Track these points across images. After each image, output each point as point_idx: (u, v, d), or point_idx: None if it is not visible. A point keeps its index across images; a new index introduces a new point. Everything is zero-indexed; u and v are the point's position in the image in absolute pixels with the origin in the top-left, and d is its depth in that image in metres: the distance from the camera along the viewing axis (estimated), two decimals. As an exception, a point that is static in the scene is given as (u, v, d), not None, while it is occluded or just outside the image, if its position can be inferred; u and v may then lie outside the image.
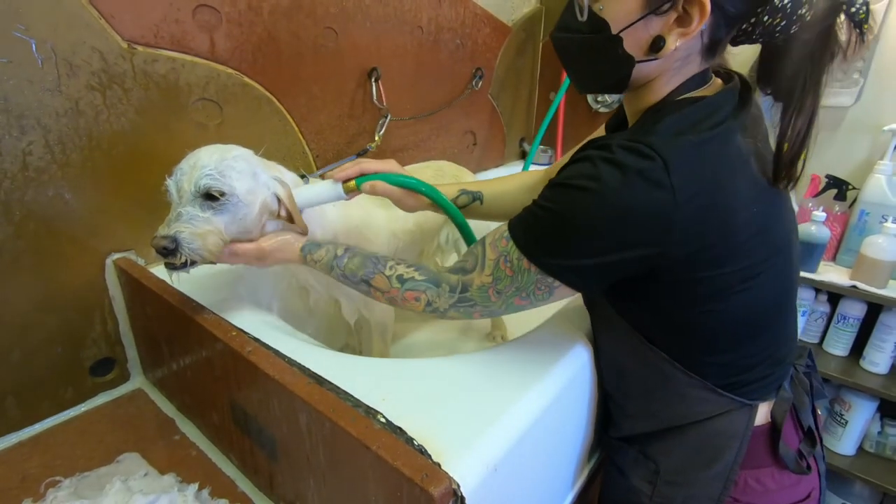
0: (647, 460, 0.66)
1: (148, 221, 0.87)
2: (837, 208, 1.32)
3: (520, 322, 0.80)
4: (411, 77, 1.31)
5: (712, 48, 0.54)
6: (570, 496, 0.75)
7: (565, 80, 1.54)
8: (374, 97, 1.19)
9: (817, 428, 0.67)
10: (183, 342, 0.76)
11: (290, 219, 0.73)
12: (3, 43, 0.67)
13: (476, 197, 0.81)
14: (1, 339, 0.76)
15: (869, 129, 1.30)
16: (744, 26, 0.53)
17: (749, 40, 0.55)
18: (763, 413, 0.62)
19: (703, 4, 0.48)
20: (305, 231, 0.74)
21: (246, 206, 0.68)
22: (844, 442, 1.34)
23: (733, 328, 0.56)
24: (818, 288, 1.30)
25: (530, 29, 1.68)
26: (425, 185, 0.73)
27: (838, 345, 1.32)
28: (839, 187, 1.33)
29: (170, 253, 0.63)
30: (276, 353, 0.64)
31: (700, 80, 0.56)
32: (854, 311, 1.27)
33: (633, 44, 0.52)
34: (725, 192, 0.50)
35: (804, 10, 0.50)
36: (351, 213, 0.86)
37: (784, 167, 0.54)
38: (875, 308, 1.25)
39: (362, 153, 1.19)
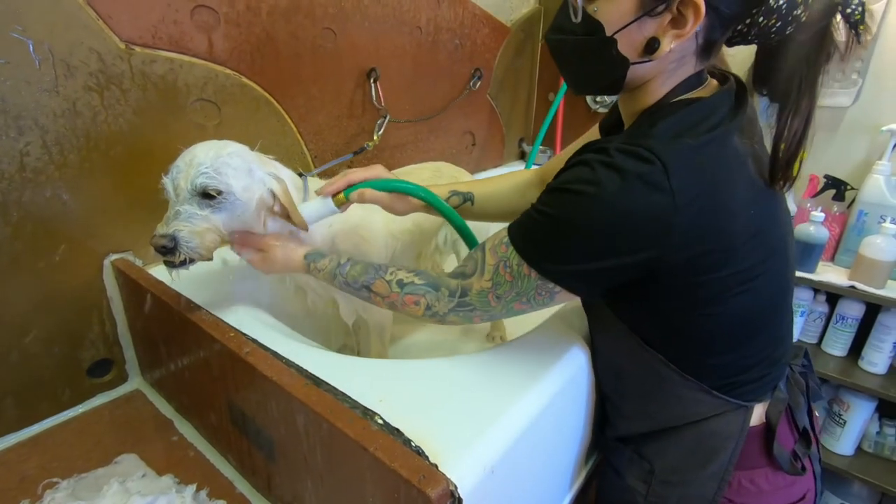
0: (641, 460, 0.67)
1: (146, 222, 0.86)
2: (836, 208, 1.32)
3: (519, 323, 0.80)
4: (410, 77, 1.31)
5: (707, 49, 0.54)
6: (568, 498, 0.75)
7: (564, 82, 1.54)
8: (373, 98, 1.19)
9: (813, 429, 0.67)
10: (181, 343, 0.76)
11: (285, 214, 0.73)
12: (0, 44, 0.67)
13: (467, 198, 0.81)
14: (-1, 340, 0.76)
15: (867, 130, 1.30)
16: (739, 27, 0.53)
17: (744, 41, 0.55)
18: (758, 414, 0.62)
19: (697, 6, 0.48)
20: (304, 227, 0.74)
21: (243, 204, 0.68)
22: (843, 442, 1.34)
23: (730, 330, 0.56)
24: (817, 288, 1.30)
25: (529, 29, 1.68)
26: (413, 185, 0.73)
27: (837, 345, 1.32)
28: (838, 188, 1.33)
29: (169, 251, 0.63)
30: (274, 354, 0.64)
31: (695, 81, 0.55)
32: (852, 311, 1.27)
33: (628, 45, 0.52)
34: (724, 196, 0.50)
35: (799, 11, 0.50)
36: (349, 214, 0.86)
37: (781, 168, 0.54)
38: (873, 308, 1.25)
39: (359, 152, 1.18)
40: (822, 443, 1.37)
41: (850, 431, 1.32)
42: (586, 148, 0.54)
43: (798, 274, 1.27)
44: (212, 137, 0.79)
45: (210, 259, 0.68)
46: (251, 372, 0.61)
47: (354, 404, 0.55)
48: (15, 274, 0.75)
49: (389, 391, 0.58)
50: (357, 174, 0.73)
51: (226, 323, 0.69)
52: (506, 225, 0.58)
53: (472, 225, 0.78)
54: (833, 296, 1.29)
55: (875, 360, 1.26)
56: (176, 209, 0.65)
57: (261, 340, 0.66)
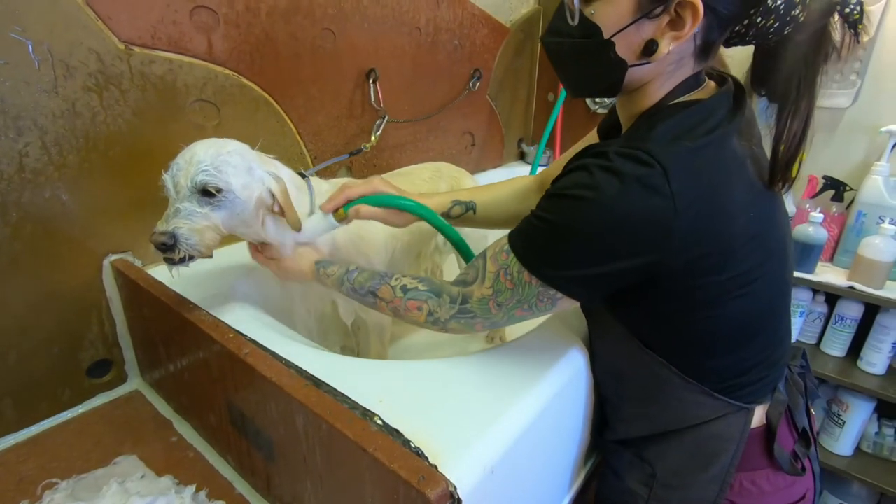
0: (642, 463, 0.66)
1: (145, 223, 0.86)
2: (835, 209, 1.32)
3: (518, 324, 0.80)
4: (409, 78, 1.31)
5: (705, 51, 0.54)
6: (567, 499, 0.75)
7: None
8: (372, 98, 1.19)
9: (811, 429, 0.67)
10: (180, 344, 0.76)
11: (283, 213, 0.73)
12: (-1, 44, 0.67)
13: (469, 207, 0.81)
14: (-2, 340, 0.76)
15: (866, 131, 1.30)
16: (737, 28, 0.53)
17: (742, 42, 0.55)
18: (758, 415, 0.62)
19: (695, 7, 0.47)
20: (298, 227, 0.74)
21: (242, 202, 0.69)
22: (842, 442, 1.34)
23: (730, 332, 0.56)
24: (816, 289, 1.31)
25: (528, 30, 1.69)
26: (409, 201, 0.73)
27: (836, 345, 1.32)
28: (836, 188, 1.34)
29: (168, 248, 0.64)
30: (274, 354, 0.64)
31: (694, 83, 0.55)
32: (851, 311, 1.28)
33: (626, 48, 0.52)
34: (723, 198, 0.50)
35: (798, 12, 0.50)
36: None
37: (780, 170, 0.54)
38: (872, 309, 1.25)
39: (356, 153, 1.18)
40: (821, 443, 1.37)
41: (848, 432, 1.32)
42: (585, 152, 0.54)
43: (797, 274, 1.27)
44: (211, 138, 0.79)
45: (210, 256, 0.68)
46: (250, 373, 0.61)
47: (354, 405, 0.55)
48: (14, 274, 0.75)
49: (389, 392, 0.58)
50: (355, 190, 0.74)
51: (225, 323, 0.69)
52: (507, 232, 0.58)
53: (472, 232, 0.78)
54: (832, 296, 1.29)
55: (874, 361, 1.26)
56: (176, 206, 0.65)
57: (260, 341, 0.66)
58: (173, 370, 0.81)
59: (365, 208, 0.72)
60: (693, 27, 0.49)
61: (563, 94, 1.61)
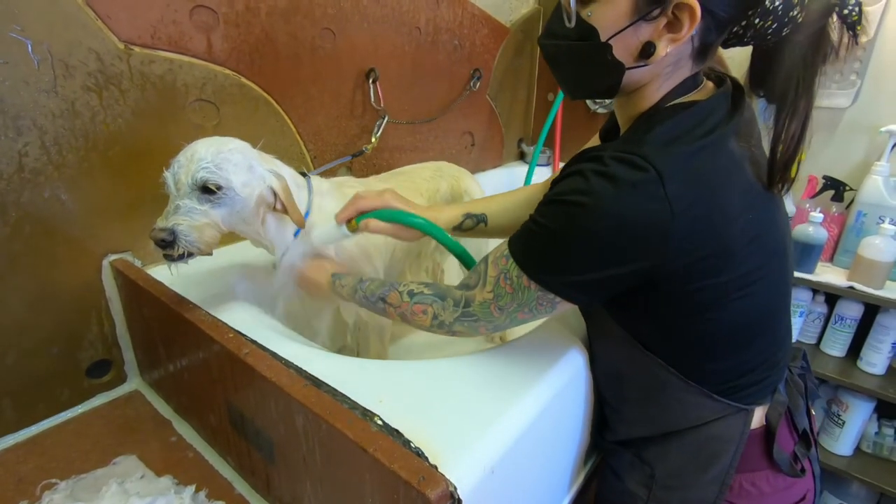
0: (642, 464, 0.66)
1: (145, 222, 0.86)
2: (835, 209, 1.32)
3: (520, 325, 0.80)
4: (409, 78, 1.31)
5: (703, 52, 0.53)
6: (567, 499, 0.75)
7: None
8: (372, 98, 1.19)
9: (811, 429, 0.67)
10: (180, 344, 0.76)
11: (285, 211, 0.74)
12: (-2, 44, 0.67)
13: (480, 220, 0.81)
14: (-3, 340, 0.76)
15: (866, 131, 1.30)
16: (735, 29, 0.53)
17: (740, 43, 0.55)
18: (758, 416, 0.62)
19: (693, 9, 0.47)
20: (302, 224, 0.76)
21: (242, 200, 0.69)
22: (842, 442, 1.34)
23: (730, 335, 0.56)
24: (815, 289, 1.31)
25: (528, 30, 1.68)
26: (417, 217, 0.73)
27: (835, 346, 1.32)
28: (836, 188, 1.34)
29: (168, 245, 0.64)
30: (273, 354, 0.63)
31: (691, 84, 0.55)
32: (851, 311, 1.27)
33: (623, 50, 0.52)
34: (720, 201, 0.50)
35: (796, 13, 0.50)
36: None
37: (779, 170, 0.54)
38: (872, 309, 1.25)
39: (357, 154, 1.19)
40: (820, 443, 1.37)
41: (848, 432, 1.32)
42: (581, 156, 0.53)
43: (797, 274, 1.27)
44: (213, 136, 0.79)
45: (209, 254, 0.68)
46: (250, 373, 0.61)
47: (354, 405, 0.55)
48: (13, 274, 0.75)
49: (389, 392, 0.58)
50: (366, 202, 0.74)
51: (225, 323, 0.69)
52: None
53: (473, 241, 0.78)
54: (832, 296, 1.29)
55: (874, 361, 1.26)
56: (176, 203, 0.66)
57: (260, 341, 0.66)
58: (173, 370, 0.81)
59: (374, 223, 0.73)
60: (690, 29, 0.48)
61: (560, 93, 1.61)
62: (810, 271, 1.28)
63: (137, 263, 0.88)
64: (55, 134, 0.74)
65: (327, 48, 1.07)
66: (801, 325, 1.37)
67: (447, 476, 0.46)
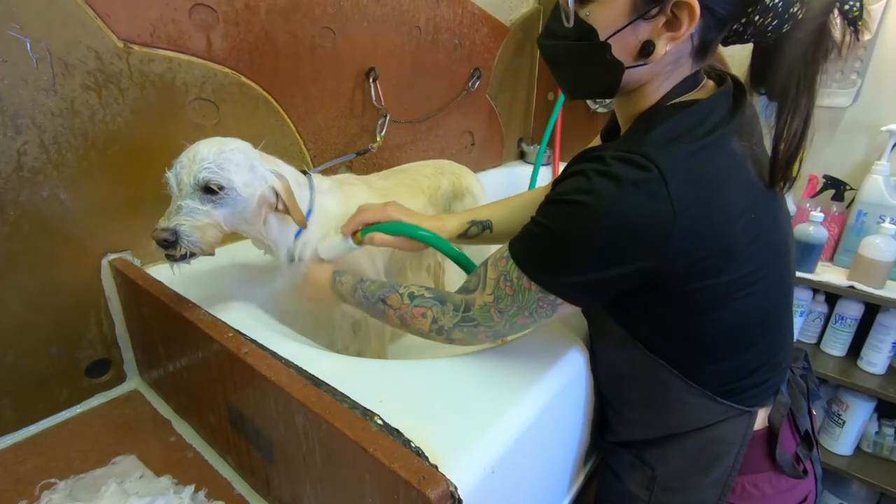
0: (643, 466, 0.66)
1: (144, 222, 0.86)
2: (835, 209, 1.32)
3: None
4: (409, 77, 1.31)
5: (703, 50, 0.53)
6: (567, 499, 0.75)
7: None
8: (373, 97, 1.19)
9: (813, 430, 0.67)
10: (179, 343, 0.76)
11: (287, 211, 0.74)
12: (-3, 42, 0.66)
13: (485, 226, 0.81)
14: (-4, 340, 0.75)
15: (866, 130, 1.30)
16: (734, 27, 0.52)
17: (740, 40, 0.55)
18: (760, 418, 0.62)
19: (692, 8, 0.47)
20: (303, 224, 0.76)
21: (244, 200, 0.69)
22: (842, 442, 1.34)
23: (732, 335, 0.56)
24: (816, 288, 1.31)
25: (528, 29, 1.68)
26: (421, 230, 0.73)
27: (836, 345, 1.32)
28: (837, 188, 1.33)
29: (170, 245, 0.64)
30: (273, 354, 0.63)
31: (692, 82, 0.55)
32: (852, 311, 1.27)
33: (622, 49, 0.51)
34: (722, 200, 0.50)
35: (796, 9, 0.49)
36: (350, 208, 0.86)
37: (780, 169, 0.53)
38: (872, 308, 1.25)
39: (363, 153, 1.18)
40: (821, 443, 1.37)
41: (848, 431, 1.32)
42: (582, 156, 0.53)
43: (797, 274, 1.27)
44: (210, 137, 0.79)
45: (211, 254, 0.68)
46: (250, 372, 0.61)
47: (354, 405, 0.54)
48: (12, 273, 0.75)
49: (389, 391, 0.58)
50: (370, 214, 0.75)
51: (224, 323, 0.69)
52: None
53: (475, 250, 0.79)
54: (832, 296, 1.29)
55: (874, 361, 1.26)
56: (178, 203, 0.66)
57: (259, 340, 0.66)
58: (172, 370, 0.81)
59: (379, 236, 0.73)
60: (690, 27, 0.48)
61: (561, 98, 1.61)
62: (811, 271, 1.28)
63: (137, 263, 0.88)
64: (54, 133, 0.74)
65: (327, 47, 1.07)
66: (801, 324, 1.37)
67: (447, 476, 0.46)
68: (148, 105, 0.83)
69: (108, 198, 0.82)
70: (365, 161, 1.26)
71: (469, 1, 1.40)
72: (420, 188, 1.04)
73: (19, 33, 0.68)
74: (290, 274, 0.84)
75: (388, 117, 1.21)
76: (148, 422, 0.84)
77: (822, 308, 1.34)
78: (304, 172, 0.83)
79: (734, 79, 0.58)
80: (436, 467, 0.47)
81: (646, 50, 0.51)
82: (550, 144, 1.77)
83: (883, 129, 1.23)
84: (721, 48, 0.57)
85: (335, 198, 0.85)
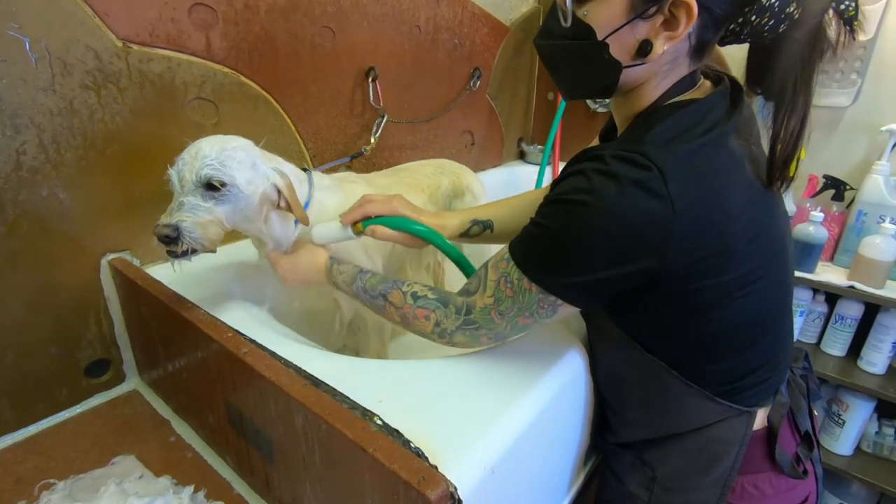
0: (643, 466, 0.66)
1: (144, 221, 0.86)
2: (835, 208, 1.32)
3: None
4: (409, 77, 1.30)
5: (700, 50, 0.53)
6: (567, 500, 0.75)
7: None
8: (372, 97, 1.19)
9: (814, 431, 0.67)
10: (178, 343, 0.76)
11: (289, 209, 0.74)
12: (-4, 41, 0.66)
13: (486, 226, 0.81)
14: (-5, 340, 0.75)
15: (866, 130, 1.30)
16: (731, 26, 0.52)
17: (737, 40, 0.55)
18: (760, 418, 0.62)
19: (689, 7, 0.47)
20: (306, 222, 0.75)
21: (246, 197, 0.69)
22: (842, 442, 1.34)
23: (732, 335, 0.56)
24: (816, 288, 1.31)
25: (528, 29, 1.68)
26: (422, 226, 0.73)
27: (836, 345, 1.32)
28: (837, 187, 1.33)
29: (171, 241, 0.64)
30: (273, 354, 0.63)
31: (689, 82, 0.55)
32: (852, 311, 1.27)
33: (620, 49, 0.51)
34: (722, 199, 0.50)
35: (792, 9, 0.49)
36: (349, 206, 0.86)
37: (778, 169, 0.53)
38: (872, 308, 1.25)
39: (357, 156, 1.18)
40: (821, 443, 1.37)
41: (848, 431, 1.32)
42: (581, 156, 0.53)
43: (797, 274, 1.27)
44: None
45: (213, 251, 0.68)
46: (249, 372, 0.60)
47: (353, 405, 0.54)
48: (11, 273, 0.75)
49: (389, 392, 0.58)
50: (374, 207, 0.74)
51: (224, 323, 0.69)
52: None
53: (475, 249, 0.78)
54: (832, 296, 1.29)
55: (874, 360, 1.26)
56: (180, 200, 0.66)
57: (259, 340, 0.66)
58: (172, 370, 0.81)
59: (381, 230, 0.73)
60: (687, 27, 0.48)
61: (564, 101, 1.60)
62: (811, 271, 1.28)
63: (136, 262, 0.88)
64: (53, 132, 0.74)
65: (327, 46, 1.07)
66: (801, 324, 1.37)
67: (447, 476, 0.46)
68: (147, 105, 0.83)
69: (108, 197, 0.82)
70: (365, 161, 1.26)
71: (469, 0, 1.40)
72: (420, 186, 1.04)
73: (18, 33, 0.68)
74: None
75: (385, 118, 1.20)
76: (147, 422, 0.84)
77: (822, 308, 1.34)
78: (304, 170, 0.83)
79: (731, 79, 0.58)
80: (436, 468, 0.46)
81: (643, 49, 0.51)
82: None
83: (883, 128, 1.23)
84: (722, 49, 0.57)
85: (335, 195, 0.85)
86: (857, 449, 1.36)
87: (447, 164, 1.15)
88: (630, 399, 0.67)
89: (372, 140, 1.19)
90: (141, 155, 0.84)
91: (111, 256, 0.85)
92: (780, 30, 0.51)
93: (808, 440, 0.65)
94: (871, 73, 1.26)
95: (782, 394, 0.63)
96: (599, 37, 0.51)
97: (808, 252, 1.26)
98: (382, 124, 1.20)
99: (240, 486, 0.72)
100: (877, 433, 1.34)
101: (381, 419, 0.52)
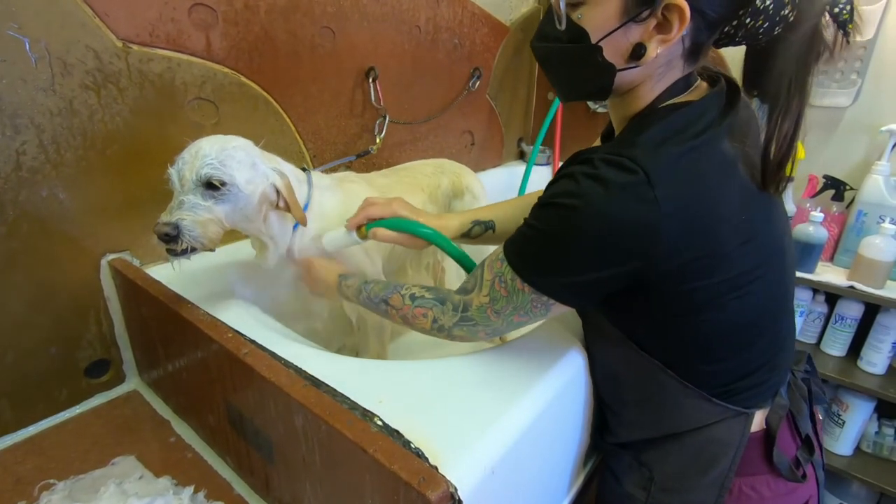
0: (641, 467, 0.66)
1: (144, 221, 0.86)
2: (835, 209, 1.32)
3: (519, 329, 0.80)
4: (409, 77, 1.30)
5: (695, 52, 0.53)
6: (567, 500, 0.75)
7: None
8: (372, 97, 1.19)
9: (817, 435, 0.67)
10: (178, 343, 0.76)
11: (287, 209, 0.74)
12: (-4, 42, 0.66)
13: (488, 226, 0.81)
14: (-6, 340, 0.75)
15: (866, 130, 1.30)
16: (726, 29, 0.52)
17: (732, 43, 0.55)
18: (758, 420, 0.62)
19: (682, 10, 0.47)
20: (304, 222, 0.77)
21: (246, 196, 0.70)
22: (842, 442, 1.34)
23: (727, 336, 0.56)
24: (816, 288, 1.31)
25: (528, 29, 1.68)
26: (425, 227, 0.73)
27: (836, 345, 1.32)
28: (837, 188, 1.33)
29: (171, 239, 0.64)
30: (273, 354, 0.63)
31: (684, 84, 0.55)
32: (851, 311, 1.27)
33: (614, 52, 0.52)
34: (711, 202, 0.50)
35: (787, 11, 0.49)
36: (349, 206, 0.86)
37: (772, 171, 0.53)
38: (872, 308, 1.25)
39: (363, 154, 1.18)
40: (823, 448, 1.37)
41: (848, 432, 1.32)
42: (573, 159, 0.54)
43: (797, 274, 1.27)
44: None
45: (212, 250, 0.69)
46: (249, 373, 0.60)
47: (353, 405, 0.54)
48: (11, 273, 0.74)
49: (389, 392, 0.58)
50: (375, 210, 0.75)
51: (224, 323, 0.69)
52: None
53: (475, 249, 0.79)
54: (832, 296, 1.29)
55: (874, 361, 1.26)
56: (180, 199, 0.66)
57: (259, 341, 0.66)
58: (172, 370, 0.81)
59: (383, 232, 0.74)
60: (680, 30, 0.48)
61: (558, 98, 1.60)
62: (810, 271, 1.28)
63: (136, 263, 0.87)
64: (53, 132, 0.74)
65: (327, 46, 1.07)
66: (801, 324, 1.37)
67: (447, 477, 0.46)
68: (147, 105, 0.83)
69: (107, 198, 0.82)
70: (365, 160, 1.26)
71: (469, 1, 1.40)
72: (420, 186, 1.04)
73: (18, 33, 0.68)
74: (285, 269, 0.84)
75: (386, 118, 1.21)
76: (147, 422, 0.84)
77: (822, 308, 1.34)
78: (304, 170, 0.84)
79: (728, 80, 0.58)
80: (436, 468, 0.46)
81: (637, 52, 0.51)
82: (550, 144, 1.77)
83: (883, 129, 1.23)
84: (721, 50, 0.57)
85: (335, 195, 0.85)
86: (857, 449, 1.36)
87: (447, 163, 1.16)
88: (627, 399, 0.67)
89: (377, 140, 1.19)
90: (141, 155, 0.84)
91: (111, 256, 0.85)
92: (775, 32, 0.51)
93: (809, 443, 0.65)
94: (871, 74, 1.26)
95: (782, 396, 0.63)
96: (593, 40, 0.52)
97: (808, 252, 1.26)
98: (385, 125, 1.20)
99: (240, 487, 0.72)
100: (877, 433, 1.34)
101: (381, 419, 0.52)
